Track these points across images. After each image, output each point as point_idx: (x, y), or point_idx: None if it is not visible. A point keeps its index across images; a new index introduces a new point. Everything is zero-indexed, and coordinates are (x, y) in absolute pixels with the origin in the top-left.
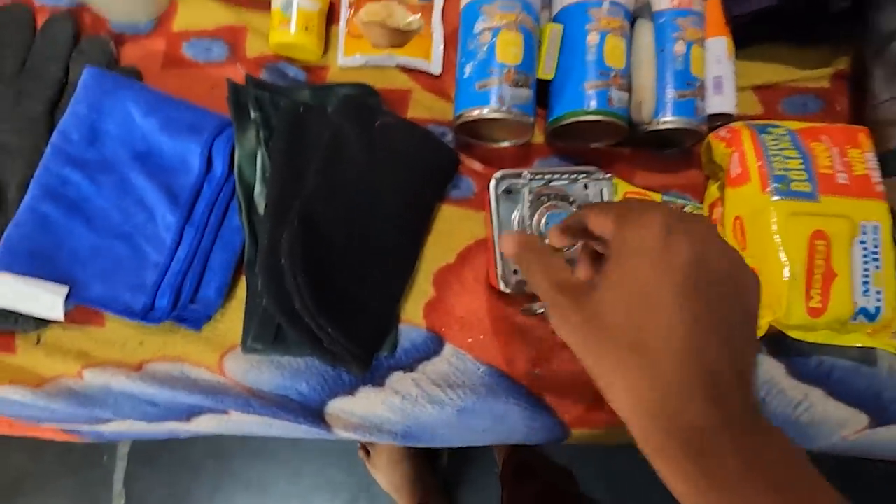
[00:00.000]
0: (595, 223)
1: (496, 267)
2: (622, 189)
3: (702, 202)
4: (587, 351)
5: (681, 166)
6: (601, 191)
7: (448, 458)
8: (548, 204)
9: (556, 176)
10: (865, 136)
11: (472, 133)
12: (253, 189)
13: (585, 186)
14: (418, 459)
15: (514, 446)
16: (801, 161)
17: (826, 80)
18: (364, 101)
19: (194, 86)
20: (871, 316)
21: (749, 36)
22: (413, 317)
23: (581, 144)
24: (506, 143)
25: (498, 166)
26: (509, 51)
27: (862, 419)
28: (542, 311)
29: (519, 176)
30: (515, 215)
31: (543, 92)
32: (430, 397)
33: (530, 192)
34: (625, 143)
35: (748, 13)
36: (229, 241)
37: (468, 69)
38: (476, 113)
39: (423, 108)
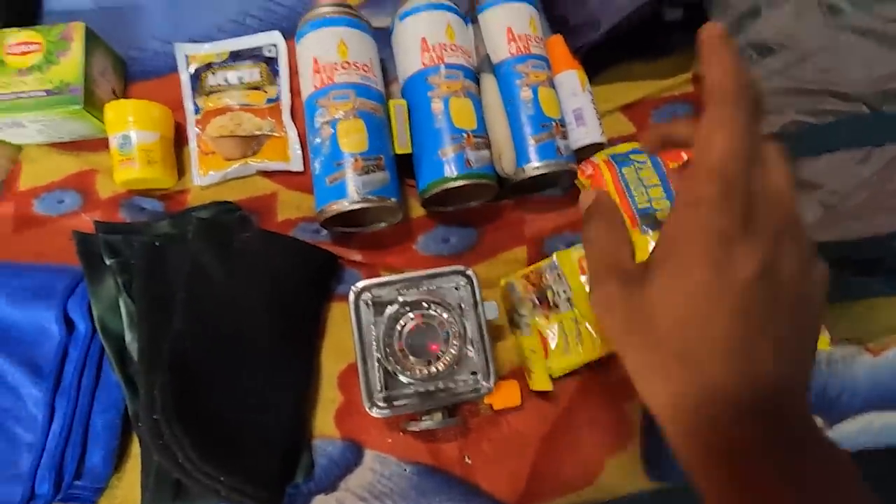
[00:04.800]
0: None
1: (361, 389)
2: (565, 261)
3: None
4: (630, 348)
5: (567, 204)
6: (472, 291)
7: None
8: (414, 315)
9: (422, 282)
10: None
11: (345, 223)
12: (123, 340)
13: (456, 288)
14: None
15: None
16: (662, 189)
17: (688, 85)
18: (220, 221)
19: (51, 242)
20: None
21: (602, 61)
22: (325, 429)
23: (460, 207)
24: (382, 225)
25: (379, 251)
26: (352, 139)
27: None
28: (427, 426)
29: (382, 286)
30: (380, 329)
31: (410, 164)
32: None
33: (392, 303)
34: (504, 194)
35: (586, 45)
36: (109, 400)
37: (317, 165)
38: (335, 207)
39: (292, 207)
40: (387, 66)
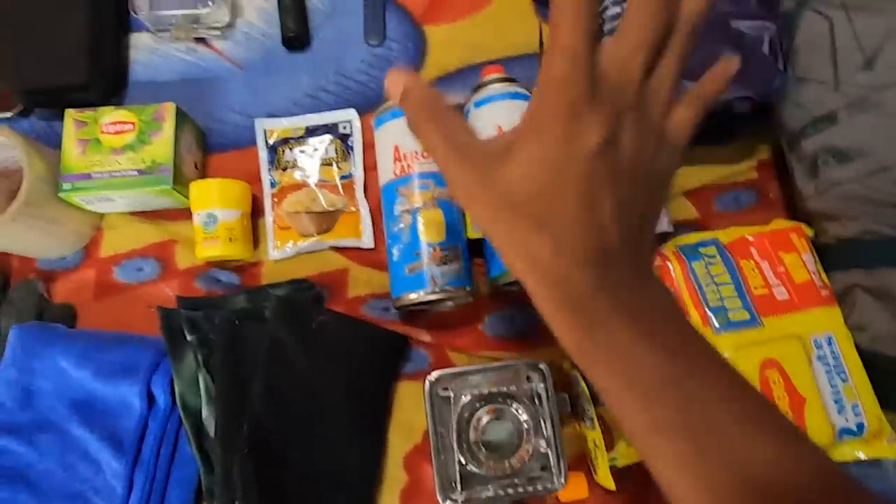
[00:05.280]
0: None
1: (435, 481)
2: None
3: None
4: (496, 226)
5: None
6: (545, 384)
7: None
8: (488, 408)
9: (495, 373)
10: (798, 234)
11: (414, 306)
12: (200, 415)
13: (528, 379)
14: None
15: None
16: (734, 287)
17: (753, 171)
18: (299, 302)
19: (130, 310)
20: (855, 432)
21: None
22: None
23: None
24: (451, 304)
25: (447, 331)
26: (432, 230)
27: None
28: None
29: (455, 377)
30: (453, 421)
31: (480, 245)
32: None
33: (466, 395)
34: None
35: None
36: (185, 474)
37: (395, 252)
38: (413, 297)
39: (362, 284)
40: None
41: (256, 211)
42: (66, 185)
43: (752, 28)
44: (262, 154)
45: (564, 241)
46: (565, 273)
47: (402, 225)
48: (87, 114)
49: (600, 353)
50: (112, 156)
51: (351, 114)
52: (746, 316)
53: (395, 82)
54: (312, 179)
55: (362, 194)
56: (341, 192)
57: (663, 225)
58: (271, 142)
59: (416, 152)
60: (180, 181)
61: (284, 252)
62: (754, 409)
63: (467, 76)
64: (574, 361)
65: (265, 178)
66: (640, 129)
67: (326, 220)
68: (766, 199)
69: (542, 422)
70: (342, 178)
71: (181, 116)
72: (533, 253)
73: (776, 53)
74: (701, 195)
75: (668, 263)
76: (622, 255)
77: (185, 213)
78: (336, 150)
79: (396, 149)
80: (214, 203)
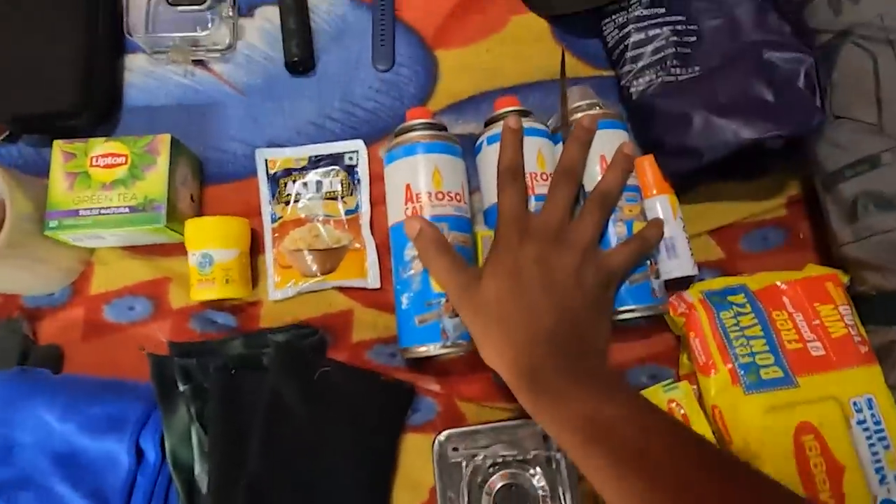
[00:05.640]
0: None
1: None
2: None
3: (677, 372)
4: (475, 325)
5: (652, 331)
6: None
7: None
8: (501, 473)
9: (508, 432)
10: (835, 284)
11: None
12: (192, 472)
13: (545, 439)
14: None
15: None
16: (765, 341)
17: (782, 209)
18: (300, 349)
19: (120, 352)
20: None
21: (692, 181)
22: None
23: None
24: (458, 351)
25: (456, 379)
26: None
27: None
28: None
29: (466, 436)
30: (464, 485)
31: None
32: None
33: (477, 457)
34: None
35: (683, 172)
36: None
37: (405, 300)
38: (423, 350)
39: (368, 327)
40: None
41: (256, 247)
42: (52, 223)
43: (787, 60)
44: (263, 186)
45: (514, 334)
46: (513, 356)
47: (412, 272)
48: (77, 145)
49: (544, 411)
50: (102, 191)
51: (358, 144)
52: (780, 374)
53: (413, 225)
54: (316, 214)
55: (368, 231)
56: (346, 228)
57: (688, 269)
58: (273, 172)
59: (430, 193)
60: (175, 218)
61: (285, 292)
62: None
63: (480, 103)
64: (531, 416)
65: (266, 211)
66: (563, 254)
67: (330, 258)
68: (796, 239)
69: (558, 488)
70: (347, 212)
71: (177, 148)
72: (496, 344)
73: (813, 89)
74: (726, 234)
75: (695, 312)
76: (559, 341)
77: (181, 248)
78: (342, 182)
79: (408, 188)
80: (210, 243)
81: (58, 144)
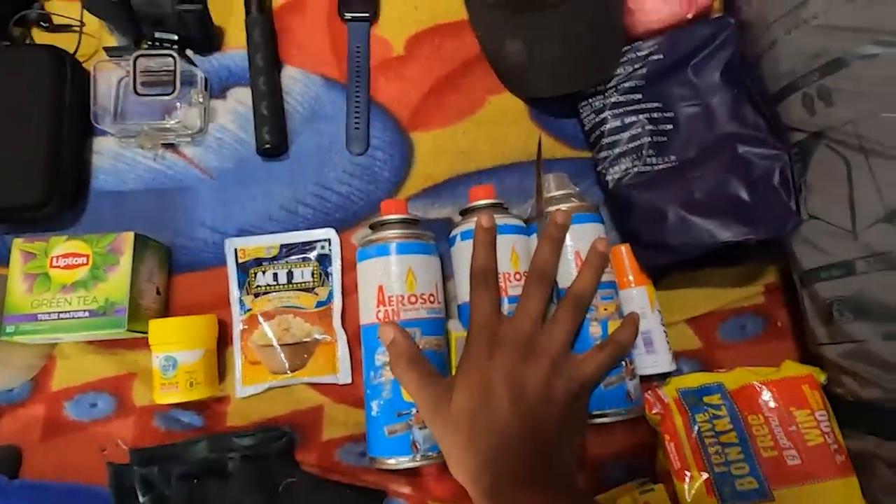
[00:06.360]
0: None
1: None
2: None
3: (655, 468)
4: (444, 440)
5: (629, 425)
6: None
7: None
8: None
9: None
10: (811, 387)
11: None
12: None
13: None
14: None
15: None
16: (741, 449)
17: (760, 296)
18: (266, 455)
19: (79, 452)
20: None
21: (669, 270)
22: None
23: None
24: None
25: (427, 481)
26: None
27: None
28: None
29: None
30: None
31: None
32: None
33: None
34: None
35: (658, 266)
36: None
37: (374, 407)
38: (392, 462)
39: (338, 424)
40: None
41: (225, 338)
42: (9, 328)
43: (762, 157)
44: (233, 276)
45: (481, 450)
46: (477, 472)
47: (383, 378)
48: (37, 244)
49: None
50: (61, 294)
51: (330, 233)
52: (755, 485)
53: (387, 333)
54: (286, 306)
55: (340, 324)
56: (317, 321)
57: (665, 364)
58: (243, 262)
59: (403, 296)
60: (138, 318)
61: (254, 388)
62: None
63: (456, 186)
64: None
65: (234, 301)
66: (533, 366)
67: (300, 352)
68: (774, 327)
69: None
70: (319, 304)
71: (141, 244)
72: (462, 460)
73: (788, 188)
74: (704, 322)
75: (671, 415)
76: (524, 454)
77: (145, 342)
78: (313, 273)
79: (381, 290)
80: (174, 345)
81: (17, 244)
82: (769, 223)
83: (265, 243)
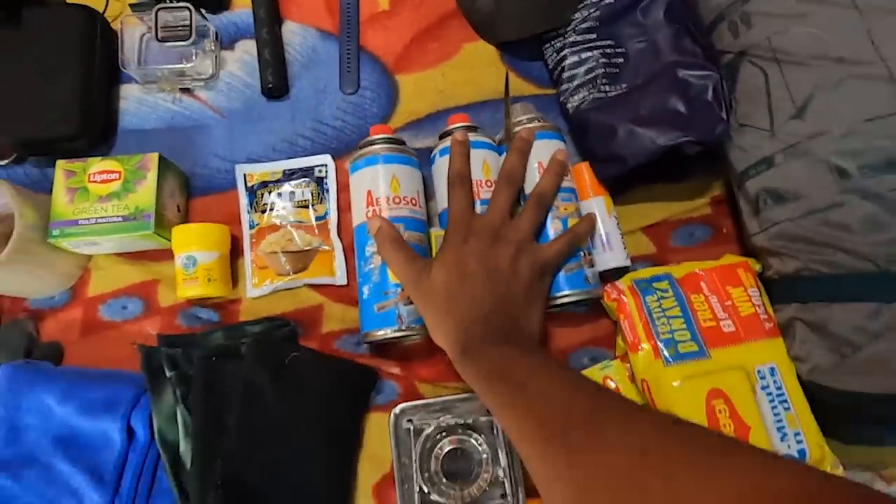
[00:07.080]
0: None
1: None
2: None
3: (615, 353)
4: (426, 310)
5: (591, 320)
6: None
7: None
8: (450, 439)
9: (457, 405)
10: (745, 270)
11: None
12: (178, 449)
13: (488, 410)
14: None
15: None
16: (683, 320)
17: (707, 207)
18: (273, 339)
19: (114, 347)
20: (798, 459)
21: (627, 184)
22: None
23: None
24: (417, 339)
25: (414, 363)
26: None
27: None
28: None
29: (419, 409)
30: (416, 451)
31: None
32: None
33: (429, 427)
34: None
35: (611, 177)
36: None
37: (366, 291)
38: (380, 334)
39: (336, 320)
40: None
41: (236, 251)
42: (55, 232)
43: (698, 77)
44: (242, 197)
45: (457, 317)
46: (455, 336)
47: (372, 265)
48: (77, 164)
49: (468, 369)
50: (98, 203)
51: (326, 159)
52: (695, 348)
53: (373, 223)
54: (289, 220)
55: (336, 234)
56: (316, 233)
57: (621, 260)
58: (251, 185)
59: (389, 197)
60: (162, 225)
61: (262, 290)
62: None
63: (436, 121)
64: (464, 379)
65: (245, 219)
66: (502, 248)
67: (302, 259)
68: (720, 234)
69: (498, 451)
70: (318, 218)
71: (164, 165)
72: (442, 326)
73: (720, 101)
74: (658, 231)
75: (624, 297)
76: (492, 321)
77: (168, 254)
78: (312, 192)
79: (369, 193)
80: (193, 246)
81: (60, 164)
82: (702, 128)
83: (270, 169)
